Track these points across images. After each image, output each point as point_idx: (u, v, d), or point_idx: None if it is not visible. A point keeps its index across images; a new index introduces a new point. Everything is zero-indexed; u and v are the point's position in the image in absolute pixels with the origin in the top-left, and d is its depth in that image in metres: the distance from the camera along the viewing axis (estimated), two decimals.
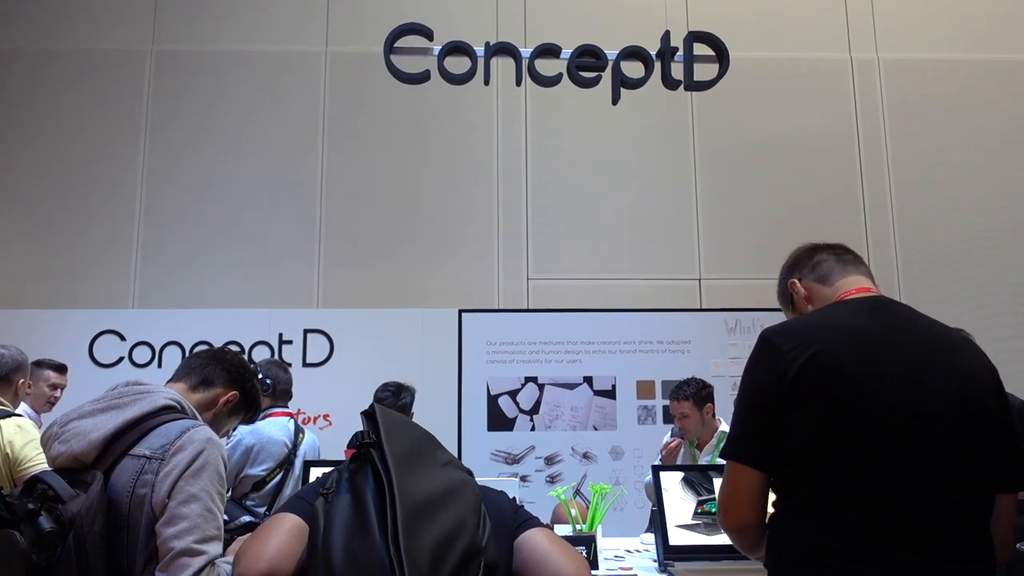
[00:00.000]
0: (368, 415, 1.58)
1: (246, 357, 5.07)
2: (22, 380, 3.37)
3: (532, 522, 1.61)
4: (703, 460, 3.66)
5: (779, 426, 1.44)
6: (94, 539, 1.44)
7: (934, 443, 1.39)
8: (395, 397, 3.76)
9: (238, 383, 1.85)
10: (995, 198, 5.70)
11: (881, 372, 1.43)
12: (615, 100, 3.75)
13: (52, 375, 4.04)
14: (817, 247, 1.74)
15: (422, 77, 3.70)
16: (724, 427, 3.58)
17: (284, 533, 1.47)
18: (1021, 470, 1.48)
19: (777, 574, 1.46)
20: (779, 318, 1.73)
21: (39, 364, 4.04)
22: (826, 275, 1.67)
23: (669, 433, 3.96)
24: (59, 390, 4.08)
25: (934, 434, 1.40)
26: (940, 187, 5.72)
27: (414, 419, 3.29)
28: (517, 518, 1.61)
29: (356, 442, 1.53)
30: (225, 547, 1.73)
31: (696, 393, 3.70)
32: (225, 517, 1.84)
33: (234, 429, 3.68)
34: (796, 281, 1.72)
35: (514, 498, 1.70)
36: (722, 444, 3.43)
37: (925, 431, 1.40)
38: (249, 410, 1.92)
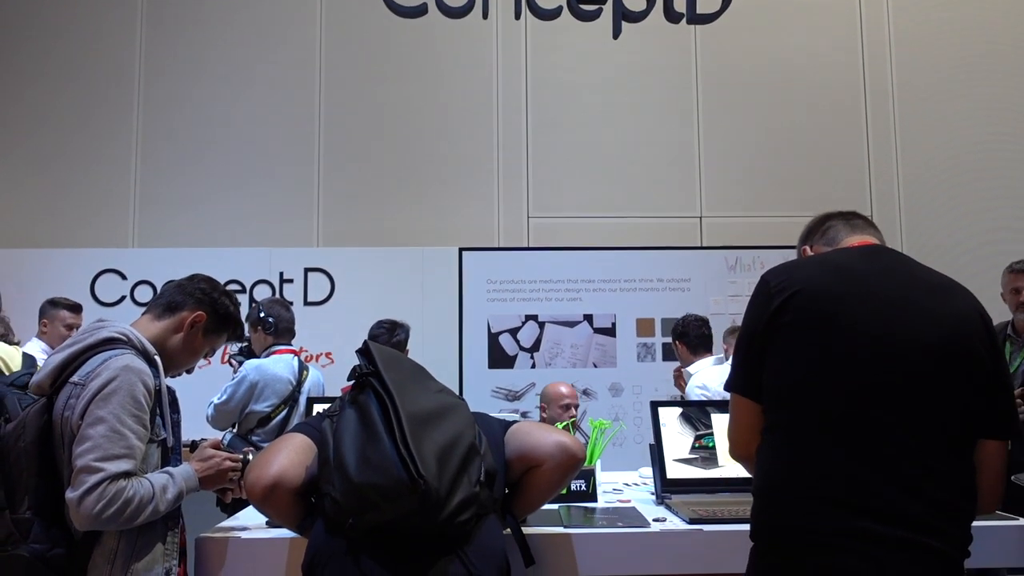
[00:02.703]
0: (363, 351, 1.66)
1: (247, 296, 5.09)
2: None
3: (517, 421, 1.79)
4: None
5: (765, 355, 1.50)
6: (17, 453, 1.63)
7: (910, 374, 1.41)
8: (389, 334, 3.79)
9: (205, 303, 1.92)
10: (1001, 132, 5.63)
11: (861, 302, 1.45)
12: (616, 34, 3.68)
13: (67, 315, 4.16)
14: (829, 215, 1.79)
15: (419, 11, 3.63)
16: (691, 368, 3.70)
17: (292, 447, 1.62)
18: (1008, 417, 1.47)
19: (759, 491, 1.50)
20: (779, 255, 1.75)
21: (55, 304, 4.14)
22: (833, 238, 1.72)
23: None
24: (74, 330, 4.16)
25: (910, 365, 1.41)
26: (946, 122, 5.65)
27: (408, 356, 3.33)
28: (504, 425, 1.76)
29: (355, 374, 1.62)
30: (179, 462, 1.84)
31: (673, 329, 3.95)
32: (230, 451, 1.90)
33: (239, 361, 3.72)
34: (807, 248, 1.78)
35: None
36: (693, 383, 3.57)
37: (901, 364, 1.41)
38: (227, 327, 1.99)
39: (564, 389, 3.79)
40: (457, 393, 1.79)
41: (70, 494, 1.59)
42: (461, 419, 1.59)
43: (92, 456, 1.59)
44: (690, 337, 3.80)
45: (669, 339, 5.18)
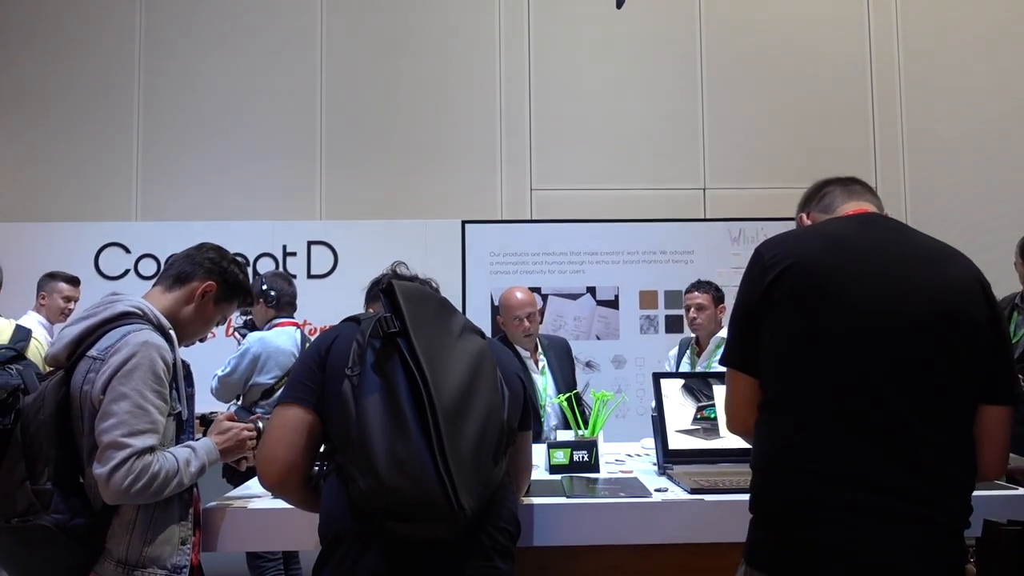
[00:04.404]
0: (387, 293, 1.52)
1: (251, 269, 5.10)
2: None
3: (526, 422, 1.69)
4: (701, 366, 3.73)
5: (761, 329, 1.49)
6: (37, 425, 1.66)
7: (907, 345, 1.40)
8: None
9: (214, 273, 1.96)
10: (1010, 103, 5.58)
11: (856, 274, 1.44)
12: (619, 3, 3.64)
13: (65, 288, 4.15)
14: (827, 181, 1.77)
15: None
16: (723, 333, 3.64)
17: (291, 432, 1.51)
18: (1009, 381, 1.46)
19: (757, 468, 1.51)
20: (783, 227, 1.74)
21: (53, 276, 4.15)
22: (830, 204, 1.70)
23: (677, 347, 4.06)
24: (72, 302, 4.18)
25: (908, 337, 1.40)
26: (952, 94, 5.60)
27: None
28: (521, 383, 1.67)
29: (381, 331, 1.46)
30: (192, 434, 1.88)
31: (716, 291, 3.85)
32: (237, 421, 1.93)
33: (243, 334, 3.74)
34: (804, 215, 1.76)
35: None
36: (720, 350, 3.53)
37: (898, 332, 1.40)
38: (238, 295, 2.02)
39: (519, 296, 3.46)
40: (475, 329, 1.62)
41: (98, 469, 1.62)
42: (487, 384, 1.49)
43: (118, 432, 1.62)
44: (723, 303, 3.83)
45: (672, 311, 5.21)
